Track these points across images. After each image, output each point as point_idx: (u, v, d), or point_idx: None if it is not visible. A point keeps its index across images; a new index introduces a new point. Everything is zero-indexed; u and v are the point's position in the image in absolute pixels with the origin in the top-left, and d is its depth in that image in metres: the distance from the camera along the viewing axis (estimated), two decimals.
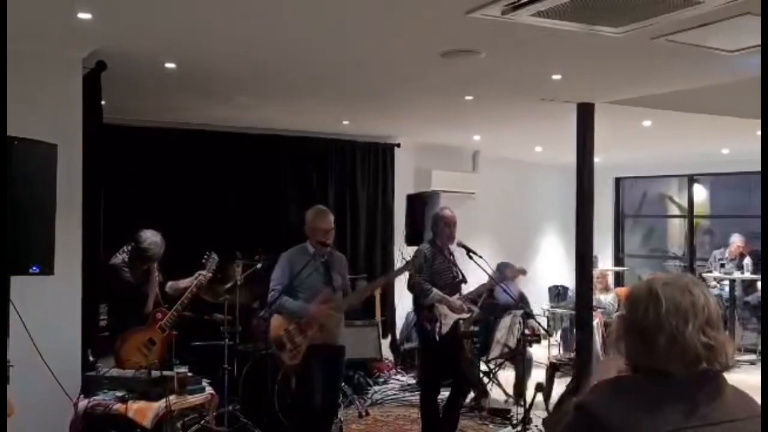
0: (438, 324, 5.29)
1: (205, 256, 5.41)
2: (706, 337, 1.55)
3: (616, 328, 1.69)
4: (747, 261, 9.29)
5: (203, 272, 5.34)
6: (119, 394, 4.23)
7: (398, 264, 8.48)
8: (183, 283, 5.39)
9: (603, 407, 1.57)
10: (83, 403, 4.20)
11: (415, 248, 5.83)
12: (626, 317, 1.66)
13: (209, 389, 4.64)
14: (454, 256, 5.58)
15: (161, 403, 4.21)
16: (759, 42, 4.01)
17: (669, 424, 1.52)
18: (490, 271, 5.65)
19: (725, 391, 1.59)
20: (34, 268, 3.55)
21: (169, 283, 5.47)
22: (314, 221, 5.02)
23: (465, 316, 5.51)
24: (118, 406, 4.13)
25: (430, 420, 5.53)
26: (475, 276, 5.74)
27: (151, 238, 5.22)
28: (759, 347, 9.25)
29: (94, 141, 4.68)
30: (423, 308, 5.45)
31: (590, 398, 1.62)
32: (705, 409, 1.54)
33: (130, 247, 5.28)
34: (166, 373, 4.40)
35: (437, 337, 5.31)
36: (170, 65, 5.03)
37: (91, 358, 4.55)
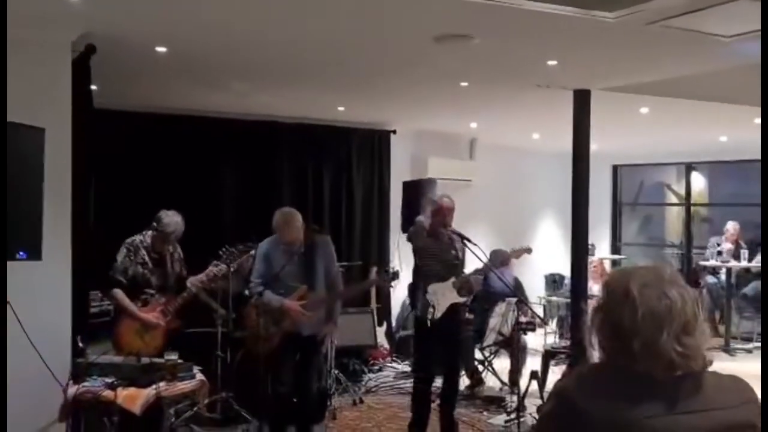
0: (431, 309, 5.24)
1: (223, 250, 5.38)
2: (681, 347, 1.52)
3: (591, 318, 1.63)
4: (743, 250, 9.24)
5: (217, 262, 5.32)
6: (108, 380, 4.20)
7: (394, 253, 8.48)
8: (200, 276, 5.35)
9: (582, 394, 1.54)
10: (72, 389, 4.17)
11: None
12: (602, 314, 1.61)
13: (200, 376, 4.61)
14: (453, 240, 5.41)
15: (150, 390, 4.19)
16: (756, 27, 3.96)
17: (649, 412, 1.49)
18: (485, 259, 5.61)
19: (706, 385, 1.56)
20: (21, 253, 3.52)
21: (191, 279, 5.37)
22: (277, 228, 5.01)
23: (460, 300, 5.43)
24: (108, 393, 4.11)
25: (420, 411, 5.43)
26: (471, 264, 5.69)
27: (173, 218, 5.18)
28: (755, 335, 9.26)
29: (84, 126, 4.63)
30: (415, 287, 5.42)
31: (570, 385, 1.59)
32: (686, 402, 1.51)
33: (151, 231, 5.21)
34: (155, 359, 4.38)
35: (428, 323, 5.25)
36: (161, 49, 4.97)
37: (80, 345, 4.52)
